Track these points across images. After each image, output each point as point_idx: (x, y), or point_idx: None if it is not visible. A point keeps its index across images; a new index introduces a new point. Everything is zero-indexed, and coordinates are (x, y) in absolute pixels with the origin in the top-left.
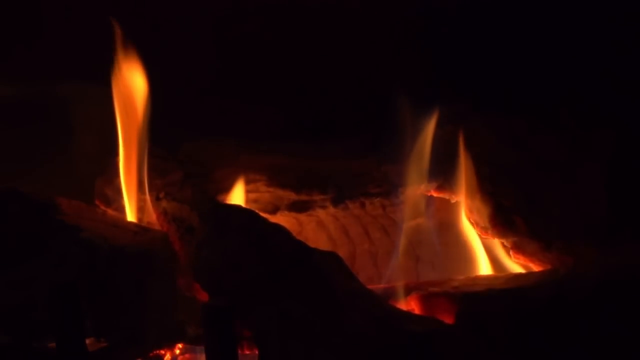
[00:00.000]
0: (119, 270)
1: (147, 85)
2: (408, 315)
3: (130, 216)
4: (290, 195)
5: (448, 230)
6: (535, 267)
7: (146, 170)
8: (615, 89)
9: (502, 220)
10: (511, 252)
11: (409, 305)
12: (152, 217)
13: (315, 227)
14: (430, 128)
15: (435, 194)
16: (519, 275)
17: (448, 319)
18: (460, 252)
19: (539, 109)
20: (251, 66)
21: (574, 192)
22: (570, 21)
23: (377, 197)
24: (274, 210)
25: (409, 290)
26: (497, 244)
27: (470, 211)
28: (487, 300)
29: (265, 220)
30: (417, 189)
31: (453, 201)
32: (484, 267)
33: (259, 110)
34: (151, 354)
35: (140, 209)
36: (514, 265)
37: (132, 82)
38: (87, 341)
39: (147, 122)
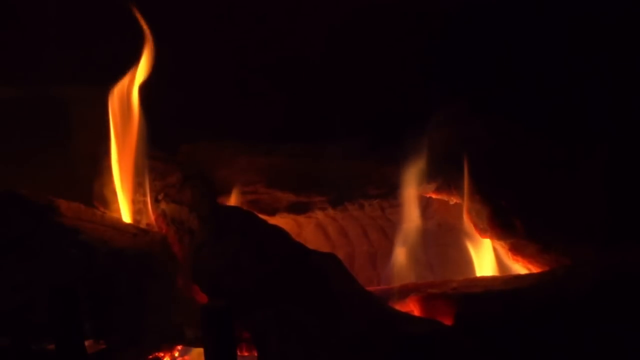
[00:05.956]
0: (118, 272)
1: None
2: (407, 316)
3: (126, 217)
4: (289, 197)
5: (447, 231)
6: (534, 269)
7: (146, 172)
8: (615, 91)
9: (501, 222)
10: (510, 254)
11: (408, 306)
12: (150, 219)
13: (314, 228)
14: (428, 129)
15: (434, 196)
16: (518, 276)
17: (447, 321)
18: (459, 253)
19: (538, 111)
20: (250, 67)
21: (573, 193)
22: (567, 24)
23: (376, 198)
24: (273, 212)
25: (407, 292)
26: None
27: (468, 212)
28: (486, 301)
29: (264, 221)
30: (416, 190)
31: (452, 203)
32: (484, 268)
33: (257, 112)
34: (150, 356)
35: (140, 211)
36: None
37: (131, 83)
38: (86, 343)
39: (145, 124)
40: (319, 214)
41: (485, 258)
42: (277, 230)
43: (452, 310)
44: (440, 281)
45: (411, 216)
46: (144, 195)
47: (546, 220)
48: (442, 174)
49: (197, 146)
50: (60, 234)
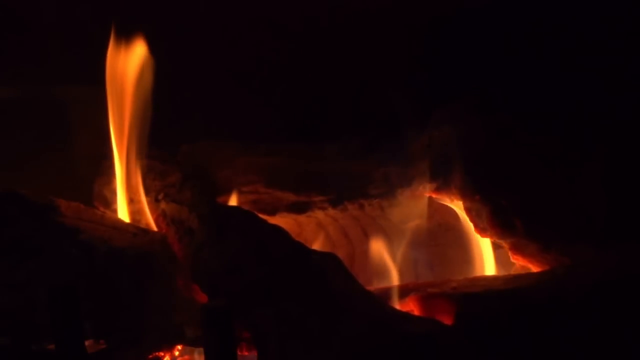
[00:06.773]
0: (118, 272)
1: (146, 84)
2: (407, 316)
3: (124, 217)
4: (289, 197)
5: (447, 231)
6: (534, 268)
7: (142, 172)
8: (616, 90)
9: (501, 221)
10: (510, 253)
11: (408, 306)
12: (150, 218)
13: (315, 228)
14: (428, 129)
15: (434, 196)
16: (518, 276)
17: (447, 320)
18: (459, 253)
19: (538, 111)
20: (250, 67)
21: (572, 193)
22: (567, 24)
23: (376, 198)
24: (273, 212)
25: (407, 292)
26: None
27: (469, 212)
28: (485, 300)
29: (264, 221)
30: (416, 190)
31: (451, 203)
32: (483, 268)
33: (257, 112)
34: (150, 356)
35: (139, 211)
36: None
37: (130, 82)
38: (86, 343)
39: (145, 123)
40: (319, 214)
41: (486, 257)
42: (277, 229)
43: (452, 309)
44: (440, 281)
45: (412, 216)
46: (143, 195)
47: (546, 219)
48: (442, 173)
49: (197, 146)
50: (60, 233)
